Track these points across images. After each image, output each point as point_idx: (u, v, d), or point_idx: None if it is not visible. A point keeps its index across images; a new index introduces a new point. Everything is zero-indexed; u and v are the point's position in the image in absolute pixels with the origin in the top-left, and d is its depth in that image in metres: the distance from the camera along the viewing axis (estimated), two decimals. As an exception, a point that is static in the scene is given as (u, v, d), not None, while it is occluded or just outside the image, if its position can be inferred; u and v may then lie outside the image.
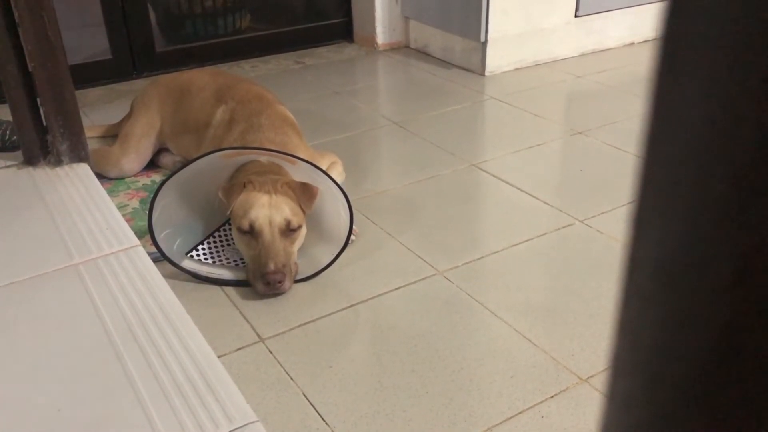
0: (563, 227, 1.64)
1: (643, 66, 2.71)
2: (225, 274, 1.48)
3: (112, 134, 2.09)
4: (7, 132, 1.78)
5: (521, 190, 1.81)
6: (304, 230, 1.47)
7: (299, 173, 1.51)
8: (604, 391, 0.95)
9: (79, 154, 1.61)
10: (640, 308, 0.19)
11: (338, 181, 1.45)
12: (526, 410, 1.12)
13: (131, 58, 2.70)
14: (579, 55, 2.84)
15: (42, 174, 1.56)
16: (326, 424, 1.10)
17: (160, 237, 1.43)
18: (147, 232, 1.42)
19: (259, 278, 1.38)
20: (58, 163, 1.59)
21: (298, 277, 1.45)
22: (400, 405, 1.14)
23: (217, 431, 0.87)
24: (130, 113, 2.01)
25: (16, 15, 1.46)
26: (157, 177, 1.91)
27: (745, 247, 0.16)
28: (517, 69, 2.70)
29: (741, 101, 0.16)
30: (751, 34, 0.17)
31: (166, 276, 1.29)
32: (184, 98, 1.89)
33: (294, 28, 3.06)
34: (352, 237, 1.52)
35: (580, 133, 2.15)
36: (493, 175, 1.89)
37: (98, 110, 2.39)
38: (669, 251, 0.18)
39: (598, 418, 0.23)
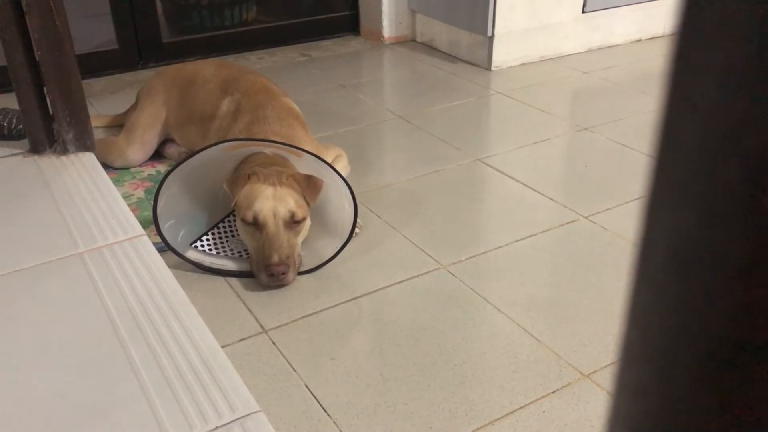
0: (567, 223, 1.64)
1: (650, 63, 2.71)
2: (229, 264, 1.48)
3: (118, 124, 2.09)
4: (14, 120, 1.78)
5: (526, 186, 1.81)
6: (308, 222, 1.47)
7: (304, 166, 1.51)
8: (606, 386, 0.95)
9: (84, 143, 1.61)
10: (652, 295, 0.19)
11: (343, 174, 1.45)
12: (528, 405, 1.12)
13: (137, 48, 2.70)
14: (586, 51, 2.83)
15: (48, 162, 1.57)
16: (328, 415, 1.11)
17: (164, 227, 1.43)
18: (151, 222, 1.42)
19: (262, 269, 1.38)
20: (64, 151, 1.59)
21: (302, 269, 1.45)
22: (402, 398, 1.14)
23: (220, 420, 0.87)
24: (136, 104, 2.01)
25: (24, 3, 1.46)
26: (162, 167, 1.91)
27: (757, 234, 0.16)
28: (523, 64, 2.70)
29: (755, 91, 0.16)
30: (766, 25, 0.17)
31: (170, 266, 1.29)
32: (189, 89, 1.89)
33: (300, 20, 3.05)
34: (356, 230, 1.52)
35: (586, 129, 2.14)
36: (498, 170, 1.89)
37: (104, 100, 2.40)
38: (682, 238, 0.18)
39: (607, 409, 0.23)
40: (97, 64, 2.60)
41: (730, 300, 0.17)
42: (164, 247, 1.43)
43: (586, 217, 1.66)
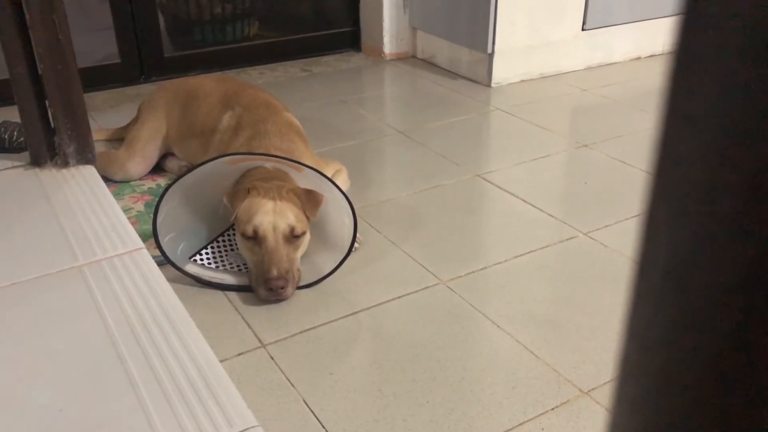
0: (566, 239, 1.64)
1: (649, 80, 2.72)
2: (228, 278, 1.48)
3: (119, 138, 2.10)
4: (15, 133, 1.79)
5: (525, 202, 1.81)
6: (307, 237, 1.47)
7: (305, 180, 1.51)
8: (605, 404, 0.95)
9: (85, 156, 1.61)
10: (650, 310, 0.19)
11: (343, 189, 1.46)
12: (527, 422, 1.12)
13: (139, 62, 2.71)
14: (585, 69, 2.84)
15: (48, 175, 1.57)
16: (326, 431, 1.10)
17: (164, 241, 1.43)
18: (151, 236, 1.43)
19: (261, 284, 1.38)
20: (65, 164, 1.60)
21: (301, 283, 1.45)
22: (401, 414, 1.13)
23: (217, 435, 0.87)
24: (137, 117, 2.02)
25: (27, 17, 1.47)
26: (162, 181, 1.92)
27: (755, 249, 0.16)
28: (523, 81, 2.71)
29: (752, 108, 0.17)
30: (762, 44, 0.17)
31: (169, 280, 1.29)
32: (190, 103, 1.90)
33: (302, 36, 3.07)
34: (356, 245, 1.52)
35: (585, 146, 2.15)
36: (498, 186, 1.90)
37: (105, 114, 2.41)
38: (680, 253, 0.18)
39: (605, 423, 0.23)
40: (99, 78, 2.62)
41: (728, 314, 0.17)
42: (163, 261, 1.43)
43: (585, 234, 1.66)
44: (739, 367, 0.17)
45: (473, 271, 1.52)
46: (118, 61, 2.69)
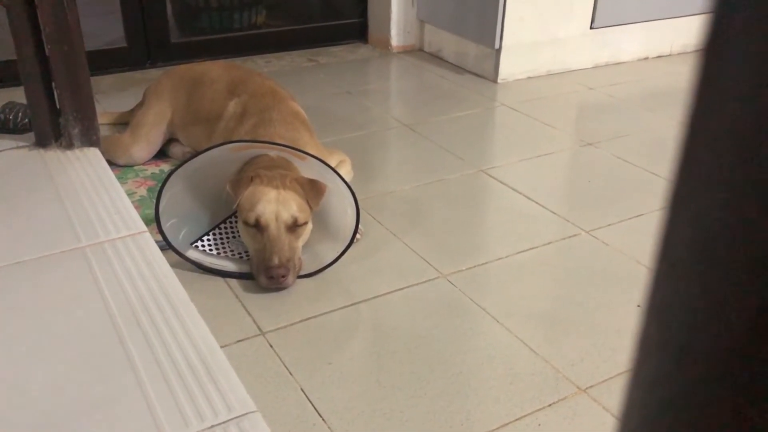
0: (569, 237, 1.64)
1: (656, 81, 2.71)
2: (229, 266, 1.48)
3: (124, 122, 2.10)
4: (20, 114, 1.79)
5: (528, 198, 1.81)
6: (310, 226, 1.47)
7: (308, 169, 1.51)
8: (603, 401, 0.95)
9: (90, 139, 1.61)
10: (673, 286, 0.19)
11: (346, 180, 1.46)
12: (523, 417, 1.12)
13: (146, 47, 2.71)
14: (592, 67, 2.84)
15: (53, 156, 1.57)
16: (323, 420, 1.10)
17: (166, 226, 1.43)
18: (153, 221, 1.43)
19: (262, 272, 1.38)
20: (70, 146, 1.60)
21: (302, 272, 1.45)
22: (398, 405, 1.14)
23: (216, 419, 0.87)
24: (143, 102, 2.01)
25: (36, -3, 1.47)
26: (166, 166, 1.91)
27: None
28: (529, 77, 2.71)
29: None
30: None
31: (171, 265, 1.29)
32: (196, 89, 1.89)
33: (309, 26, 3.07)
34: (358, 236, 1.52)
35: (590, 144, 2.15)
36: (501, 182, 1.90)
37: (111, 97, 2.40)
38: (705, 229, 0.18)
39: (621, 401, 0.23)
40: (106, 61, 2.61)
41: (755, 290, 0.17)
42: (165, 246, 1.43)
43: (587, 232, 1.66)
44: (761, 344, 0.17)
45: (474, 266, 1.52)
46: (125, 45, 2.68)
